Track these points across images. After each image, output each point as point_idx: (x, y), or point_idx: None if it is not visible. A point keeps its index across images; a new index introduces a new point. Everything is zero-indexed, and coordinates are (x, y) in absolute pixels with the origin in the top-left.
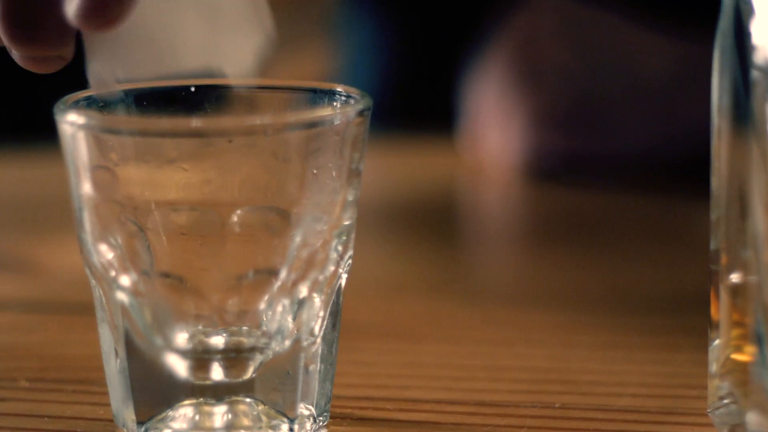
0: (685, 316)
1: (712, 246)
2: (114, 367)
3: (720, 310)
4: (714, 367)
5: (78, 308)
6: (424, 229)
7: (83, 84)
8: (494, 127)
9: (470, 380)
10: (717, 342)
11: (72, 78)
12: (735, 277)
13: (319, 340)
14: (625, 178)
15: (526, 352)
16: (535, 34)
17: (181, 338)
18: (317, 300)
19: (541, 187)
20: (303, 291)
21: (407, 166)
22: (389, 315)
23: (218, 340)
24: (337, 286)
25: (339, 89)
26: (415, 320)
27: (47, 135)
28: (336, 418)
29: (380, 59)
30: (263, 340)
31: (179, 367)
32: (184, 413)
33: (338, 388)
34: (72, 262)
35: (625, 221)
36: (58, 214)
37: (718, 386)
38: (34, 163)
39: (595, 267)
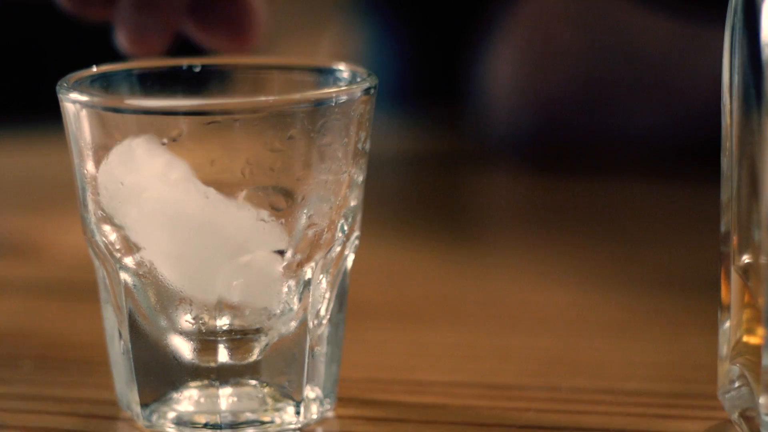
0: (694, 297)
1: (723, 227)
2: (118, 349)
3: (730, 291)
4: (724, 350)
5: (82, 290)
6: (431, 210)
7: (86, 63)
8: (505, 104)
9: (478, 362)
10: (727, 324)
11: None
12: (746, 259)
13: (325, 321)
14: (633, 159)
15: (534, 333)
16: (542, 17)
17: (186, 320)
18: (323, 281)
19: (545, 172)
20: (309, 272)
21: (416, 149)
22: (396, 296)
23: (223, 322)
24: (344, 267)
25: (344, 68)
26: (421, 301)
27: (50, 116)
28: (343, 401)
29: (391, 42)
30: (268, 322)
31: (184, 348)
32: (188, 395)
33: (345, 370)
34: (76, 244)
35: (634, 203)
36: (61, 196)
37: (729, 369)
38: (37, 145)
39: (603, 248)
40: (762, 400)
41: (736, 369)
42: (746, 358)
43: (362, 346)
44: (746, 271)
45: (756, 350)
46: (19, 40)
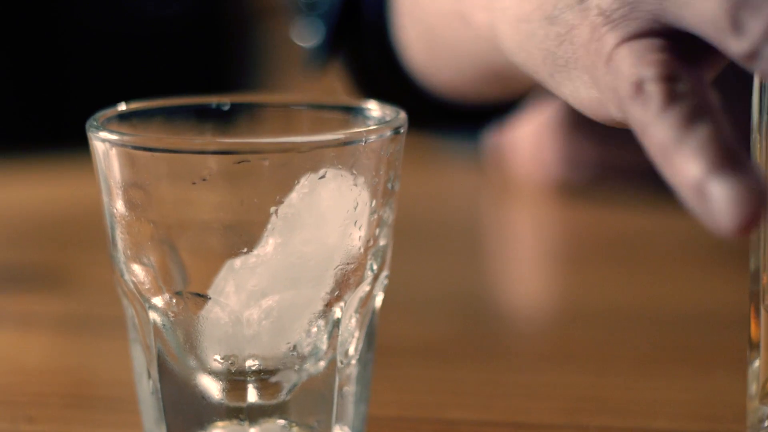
0: (723, 334)
1: (752, 266)
2: (146, 388)
3: (760, 330)
4: (753, 389)
5: (110, 327)
6: (457, 246)
7: (115, 99)
8: (526, 139)
9: (506, 399)
10: (757, 363)
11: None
12: None
13: (354, 361)
14: (661, 192)
15: (562, 370)
16: None
17: (215, 359)
18: (352, 320)
19: (574, 204)
20: (338, 311)
21: (439, 182)
22: (423, 333)
23: (252, 362)
24: (373, 306)
25: (374, 106)
26: (449, 338)
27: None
28: None
29: None
30: (297, 362)
31: (212, 388)
32: None
33: (373, 408)
34: (104, 279)
35: (662, 238)
36: (89, 229)
37: (758, 408)
38: (65, 177)
39: (631, 284)
40: None
41: (766, 409)
42: None
43: (390, 383)
44: None
45: None
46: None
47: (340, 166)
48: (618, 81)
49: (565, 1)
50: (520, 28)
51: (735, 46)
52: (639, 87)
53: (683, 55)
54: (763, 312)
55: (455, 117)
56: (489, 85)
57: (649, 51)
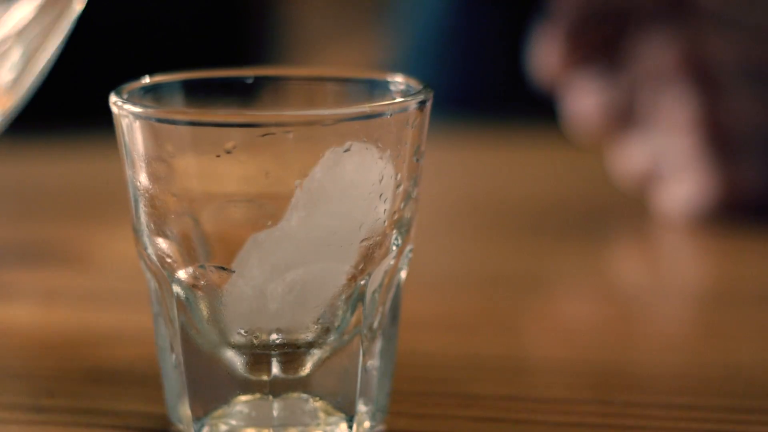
0: (749, 310)
1: None
2: (170, 362)
3: None
4: None
5: (132, 301)
6: (483, 221)
7: (139, 73)
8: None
9: (530, 374)
10: None
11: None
12: None
13: (378, 335)
14: None
15: (586, 346)
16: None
17: (238, 333)
18: (377, 294)
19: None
20: (362, 285)
21: (467, 159)
22: (447, 308)
23: (275, 336)
24: (397, 280)
25: (399, 79)
26: (473, 313)
27: (99, 124)
28: (395, 414)
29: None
30: (321, 336)
31: (236, 362)
32: (240, 409)
33: (397, 383)
34: (125, 253)
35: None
36: (110, 204)
37: None
38: (86, 152)
39: (655, 260)
40: None
41: None
42: None
43: (414, 358)
44: None
45: None
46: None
47: (365, 139)
48: None
49: None
50: None
51: None
52: None
53: None
54: None
55: None
56: None
57: None
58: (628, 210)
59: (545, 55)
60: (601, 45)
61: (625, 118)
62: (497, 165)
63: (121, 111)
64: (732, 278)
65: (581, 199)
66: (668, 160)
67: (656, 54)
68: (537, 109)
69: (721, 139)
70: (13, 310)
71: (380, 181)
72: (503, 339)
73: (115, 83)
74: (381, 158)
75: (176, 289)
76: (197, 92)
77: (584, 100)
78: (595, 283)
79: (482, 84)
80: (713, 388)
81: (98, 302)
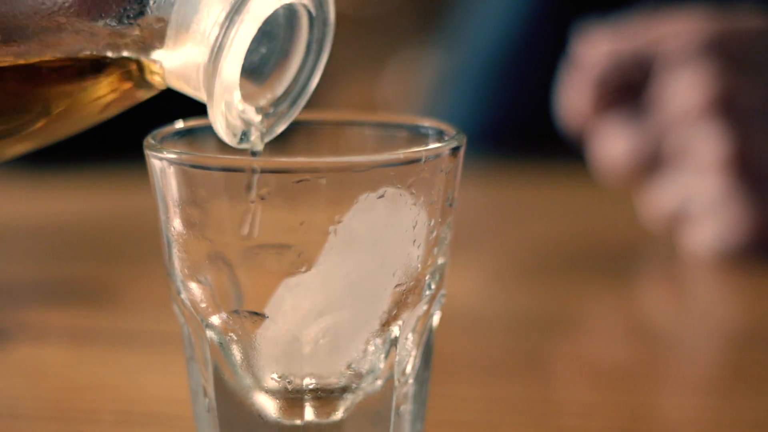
0: None
1: None
2: (202, 406)
3: None
4: None
5: (162, 342)
6: (513, 262)
7: (172, 117)
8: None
9: (561, 418)
10: None
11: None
12: None
13: (411, 380)
14: None
15: (618, 389)
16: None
17: (272, 378)
18: (410, 339)
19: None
20: (395, 330)
21: (495, 198)
22: (477, 349)
23: (309, 380)
24: (430, 324)
25: (431, 124)
26: (504, 357)
27: (130, 161)
28: None
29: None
30: (354, 381)
31: (269, 407)
32: None
33: (429, 427)
34: (155, 293)
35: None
36: (140, 243)
37: None
38: (117, 191)
39: (686, 303)
40: None
41: None
42: None
43: (445, 401)
44: None
45: None
46: None
47: (398, 185)
48: None
49: None
50: None
51: None
52: None
53: None
54: None
55: None
56: None
57: None
58: (658, 251)
59: (573, 101)
60: (628, 90)
61: (653, 161)
62: (525, 205)
63: (154, 156)
64: (763, 318)
65: (611, 239)
66: (697, 201)
67: (684, 96)
68: (565, 149)
69: (752, 178)
70: (42, 350)
71: (414, 226)
72: (533, 381)
73: (145, 118)
74: (414, 204)
75: (210, 333)
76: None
77: (612, 146)
78: (625, 325)
79: (513, 123)
80: (746, 429)
81: (129, 343)
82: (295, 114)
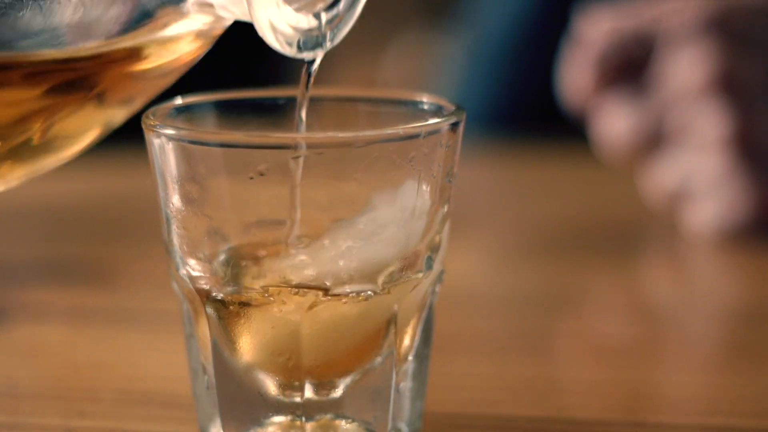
0: None
1: None
2: (202, 383)
3: None
4: None
5: (161, 320)
6: (514, 241)
7: (169, 92)
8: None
9: (561, 396)
10: None
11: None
12: None
13: (411, 357)
14: None
15: (618, 366)
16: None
17: (271, 354)
18: (409, 316)
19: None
20: (395, 307)
21: (496, 178)
22: (477, 327)
23: (308, 357)
24: (429, 301)
25: (432, 101)
26: (505, 334)
27: (128, 141)
28: None
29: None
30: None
31: (268, 384)
32: (273, 431)
33: (429, 405)
34: (153, 272)
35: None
36: (139, 222)
37: None
38: (115, 171)
39: (686, 279)
40: None
41: None
42: None
43: (445, 379)
44: None
45: None
46: None
47: (397, 160)
48: None
49: None
50: None
51: None
52: None
53: None
54: None
55: None
56: None
57: None
58: (659, 229)
59: (575, 79)
60: (630, 68)
61: (654, 139)
62: (527, 184)
63: (153, 132)
64: (764, 296)
65: (613, 218)
66: (699, 179)
67: (686, 73)
68: (568, 129)
69: (754, 156)
70: (42, 329)
71: (414, 202)
72: (535, 359)
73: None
74: (413, 179)
75: (209, 310)
76: (229, 113)
77: (614, 123)
78: (627, 303)
79: (516, 103)
80: (746, 409)
81: (128, 322)
82: (354, 15)
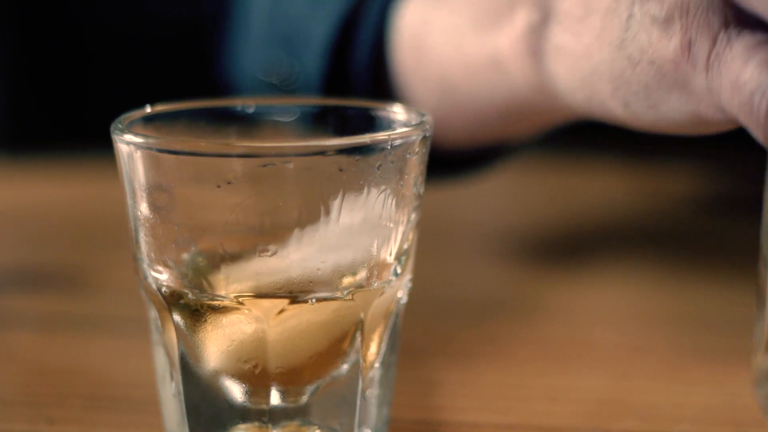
0: (744, 338)
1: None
2: (169, 390)
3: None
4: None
5: (130, 327)
6: (479, 248)
7: (138, 100)
8: None
9: (528, 403)
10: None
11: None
12: None
13: (377, 364)
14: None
15: (584, 374)
16: None
17: (237, 361)
18: (375, 323)
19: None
20: (361, 315)
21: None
22: (445, 336)
23: (275, 365)
24: (396, 309)
25: (399, 110)
26: (471, 341)
27: (100, 150)
28: None
29: None
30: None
31: (235, 391)
32: None
33: (395, 411)
34: (123, 279)
35: (686, 238)
36: (109, 230)
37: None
38: (86, 178)
39: (653, 288)
40: None
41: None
42: None
43: (412, 386)
44: None
45: None
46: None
47: (365, 170)
48: (731, 91)
49: (635, 22)
50: (581, 66)
51: None
52: (762, 94)
53: None
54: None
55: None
56: (510, 126)
57: (753, 49)
58: (624, 234)
59: None
60: None
61: None
62: (491, 192)
63: (121, 140)
64: (734, 304)
65: (578, 224)
66: None
67: None
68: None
69: None
70: (12, 336)
71: (380, 211)
72: (500, 365)
73: (115, 109)
74: (381, 189)
75: (176, 317)
76: (198, 122)
77: None
78: (593, 311)
79: None
80: (711, 416)
81: (97, 328)
82: None
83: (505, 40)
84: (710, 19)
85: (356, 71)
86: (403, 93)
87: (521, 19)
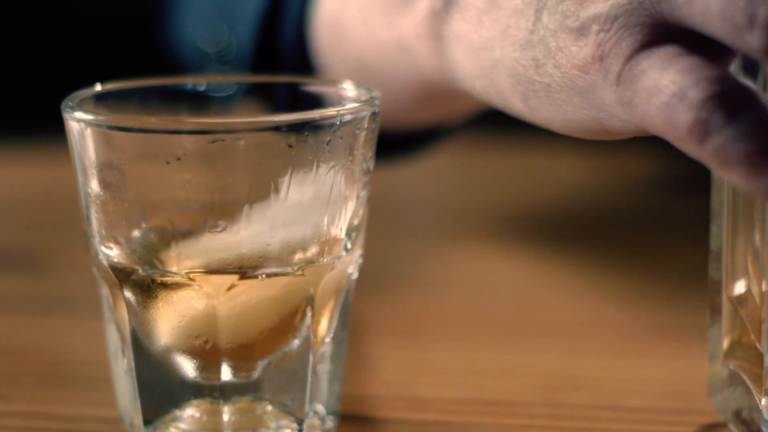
0: (696, 314)
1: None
2: (121, 367)
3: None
4: (717, 350)
5: (83, 307)
6: (429, 224)
7: (91, 81)
8: None
9: (479, 378)
10: (719, 325)
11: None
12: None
13: (328, 339)
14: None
15: (536, 349)
16: None
17: (189, 337)
18: (326, 299)
19: (547, 181)
20: (312, 290)
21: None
22: (395, 311)
23: (226, 340)
24: (347, 285)
25: (348, 86)
26: (422, 318)
27: (52, 131)
28: (345, 418)
29: None
30: None
31: (186, 367)
32: (191, 413)
33: (346, 386)
34: (77, 259)
35: (638, 216)
36: (63, 211)
37: (720, 370)
38: (41, 159)
39: (602, 262)
40: (765, 402)
41: (726, 370)
42: (741, 359)
43: (363, 362)
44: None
45: (753, 351)
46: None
47: (314, 146)
48: (646, 97)
49: (542, 26)
50: (480, 57)
51: (750, 41)
52: (681, 98)
53: (701, 55)
54: (725, 301)
55: (387, 144)
56: (428, 110)
57: (674, 58)
58: (580, 214)
59: None
60: None
61: None
62: (459, 171)
63: (72, 118)
64: (682, 279)
65: (543, 204)
66: None
67: None
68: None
69: None
70: None
71: (330, 187)
72: (452, 342)
73: (67, 89)
74: (330, 164)
75: (127, 293)
76: (149, 100)
77: None
78: (541, 287)
79: None
80: (660, 389)
81: (50, 307)
82: None
83: (410, 23)
84: (631, 39)
85: (284, 47)
86: (325, 72)
87: (424, 2)
